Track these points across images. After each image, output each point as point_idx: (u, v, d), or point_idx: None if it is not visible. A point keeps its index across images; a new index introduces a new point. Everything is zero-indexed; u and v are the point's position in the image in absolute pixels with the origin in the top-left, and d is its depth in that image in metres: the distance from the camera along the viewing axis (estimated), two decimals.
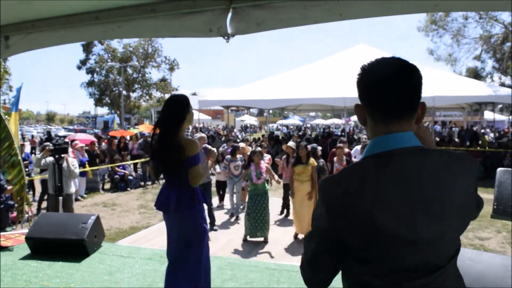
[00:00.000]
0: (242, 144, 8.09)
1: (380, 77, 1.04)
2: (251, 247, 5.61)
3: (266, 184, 6.00)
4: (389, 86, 1.03)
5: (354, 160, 7.42)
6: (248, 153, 6.84)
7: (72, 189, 6.27)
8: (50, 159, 6.04)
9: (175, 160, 2.74)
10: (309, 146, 6.04)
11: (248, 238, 5.84)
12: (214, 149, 3.32)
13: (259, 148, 6.33)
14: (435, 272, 1.00)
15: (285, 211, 7.33)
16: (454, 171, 1.02)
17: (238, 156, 7.32)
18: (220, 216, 7.42)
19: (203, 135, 6.89)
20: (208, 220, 6.45)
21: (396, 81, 1.03)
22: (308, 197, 5.74)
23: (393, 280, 0.99)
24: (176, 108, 2.84)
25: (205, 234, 2.95)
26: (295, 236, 5.98)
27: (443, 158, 1.03)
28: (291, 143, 7.00)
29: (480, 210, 1.18)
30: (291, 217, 6.96)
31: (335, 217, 1.00)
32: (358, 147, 7.70)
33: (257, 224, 5.74)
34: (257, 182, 5.88)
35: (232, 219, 7.22)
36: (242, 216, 7.22)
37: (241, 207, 7.44)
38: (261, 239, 5.82)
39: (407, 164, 0.99)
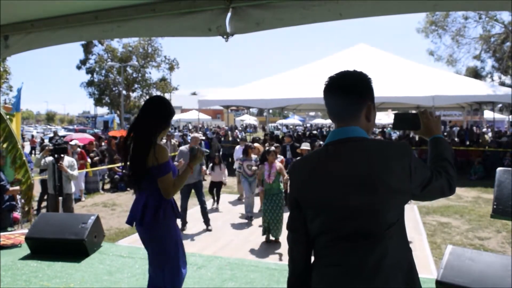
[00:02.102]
0: (256, 144, 8.04)
1: (333, 88, 1.43)
2: (252, 246, 5.61)
3: (280, 184, 5.87)
4: (330, 96, 1.45)
5: None
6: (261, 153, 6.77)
7: (72, 189, 6.26)
8: (49, 159, 6.03)
9: (137, 168, 2.48)
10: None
11: (265, 238, 5.79)
12: (202, 152, 2.79)
13: (273, 148, 6.26)
14: (372, 237, 1.27)
15: None
16: (386, 155, 1.30)
17: (253, 156, 7.25)
18: (220, 217, 7.43)
19: (197, 135, 6.88)
20: (202, 220, 6.49)
21: (334, 93, 1.43)
22: None
23: (334, 238, 1.32)
24: (156, 113, 2.55)
25: (176, 250, 2.59)
26: None
27: (377, 145, 1.35)
28: (305, 145, 6.96)
29: (429, 187, 1.37)
30: None
31: (295, 188, 1.43)
32: None
33: (271, 224, 5.67)
34: (269, 180, 5.79)
35: (233, 220, 7.22)
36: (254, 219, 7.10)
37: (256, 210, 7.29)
38: (273, 238, 5.78)
39: (343, 150, 1.34)
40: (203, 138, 14.26)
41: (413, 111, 1.71)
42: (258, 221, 6.74)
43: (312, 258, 1.46)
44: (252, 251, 5.43)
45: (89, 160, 9.78)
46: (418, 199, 1.40)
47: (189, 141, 18.42)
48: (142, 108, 2.60)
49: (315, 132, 24.62)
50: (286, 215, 5.89)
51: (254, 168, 7.08)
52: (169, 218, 2.58)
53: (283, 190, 5.92)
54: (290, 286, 1.51)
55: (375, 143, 1.37)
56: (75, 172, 6.12)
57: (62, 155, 5.85)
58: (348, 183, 1.29)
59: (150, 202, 2.52)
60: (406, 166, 1.30)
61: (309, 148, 6.73)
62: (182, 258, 2.67)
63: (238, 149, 8.68)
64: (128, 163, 2.57)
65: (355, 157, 1.31)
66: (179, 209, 6.34)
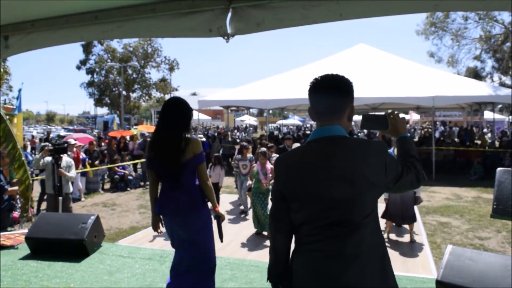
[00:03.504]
0: (245, 144, 8.12)
1: (319, 89, 1.54)
2: (252, 246, 5.61)
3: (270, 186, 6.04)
4: (316, 97, 1.55)
5: None
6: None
7: (70, 189, 6.28)
8: (48, 159, 6.03)
9: (178, 159, 2.72)
10: None
11: (256, 232, 6.00)
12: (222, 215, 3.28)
13: (263, 149, 6.47)
14: (351, 225, 1.42)
15: None
16: (365, 152, 1.45)
17: (248, 155, 7.50)
18: None
19: (200, 135, 6.92)
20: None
21: (321, 94, 1.54)
22: None
23: (316, 227, 1.45)
24: (185, 111, 2.84)
25: (212, 232, 3.03)
26: None
27: (355, 143, 1.49)
28: (296, 145, 7.01)
29: (400, 180, 1.53)
30: None
31: (281, 181, 1.56)
32: None
33: (261, 220, 5.88)
34: (265, 182, 6.01)
35: (233, 220, 7.22)
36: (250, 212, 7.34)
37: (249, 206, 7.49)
38: (265, 233, 5.96)
39: (326, 147, 1.47)
40: (204, 139, 14.26)
41: (382, 113, 1.80)
42: None
43: (293, 246, 1.60)
44: (252, 251, 5.43)
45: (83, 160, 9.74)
46: (390, 192, 1.59)
47: None
48: (168, 108, 2.82)
49: (309, 132, 24.60)
50: None
51: (250, 169, 7.27)
52: (207, 204, 2.95)
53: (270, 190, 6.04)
54: (271, 273, 1.66)
55: (356, 141, 1.52)
56: (73, 174, 6.15)
57: (61, 155, 5.86)
58: (331, 177, 1.43)
59: (195, 191, 2.84)
60: (382, 162, 1.46)
61: None
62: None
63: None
64: (155, 161, 2.82)
65: (338, 154, 1.45)
66: None
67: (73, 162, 6.35)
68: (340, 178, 1.42)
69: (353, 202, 1.43)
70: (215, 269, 3.12)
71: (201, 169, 2.84)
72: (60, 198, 5.76)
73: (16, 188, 5.84)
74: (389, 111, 1.87)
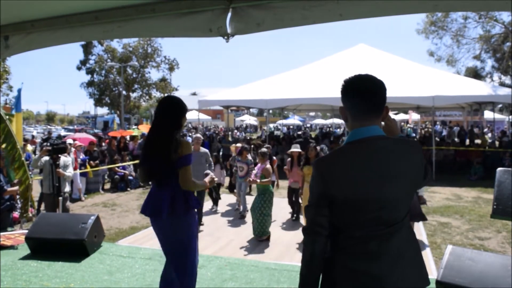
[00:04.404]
0: (233, 145, 8.10)
1: (361, 89, 1.53)
2: (252, 247, 5.61)
3: (270, 185, 6.01)
4: (367, 96, 1.52)
5: None
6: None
7: (67, 188, 6.30)
8: (45, 158, 6.04)
9: (168, 158, 2.64)
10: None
11: (255, 236, 5.90)
12: (215, 178, 3.16)
13: (264, 149, 6.49)
14: (395, 224, 1.46)
15: (294, 215, 7.16)
16: (405, 152, 1.51)
17: (248, 157, 7.39)
18: (220, 217, 7.43)
19: (199, 135, 6.91)
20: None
21: (372, 93, 1.53)
22: None
23: (366, 228, 1.44)
24: (176, 112, 2.77)
25: (196, 239, 2.88)
26: None
27: (397, 143, 1.53)
28: (295, 147, 6.99)
29: (427, 180, 1.66)
30: (301, 220, 6.98)
31: (326, 184, 1.47)
32: None
33: (258, 222, 5.79)
34: (252, 178, 6.00)
35: (234, 220, 7.22)
36: (248, 215, 7.23)
37: (241, 208, 7.50)
38: (264, 237, 5.86)
39: (373, 147, 1.47)
40: (203, 139, 14.28)
41: None
42: None
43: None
44: (252, 251, 5.43)
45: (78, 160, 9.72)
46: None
47: (188, 141, 18.43)
48: (160, 108, 2.78)
49: (299, 133, 24.59)
50: (273, 212, 6.06)
51: (246, 172, 7.25)
52: (193, 209, 2.81)
53: (270, 189, 6.02)
54: (306, 282, 1.52)
55: (399, 141, 1.55)
56: (70, 173, 6.19)
57: (59, 155, 5.89)
58: (381, 177, 1.44)
59: (178, 193, 2.70)
60: (421, 161, 1.54)
61: (299, 150, 6.73)
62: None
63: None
64: (145, 159, 2.77)
65: (385, 154, 1.46)
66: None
67: (70, 161, 6.37)
68: (389, 177, 1.44)
69: (400, 201, 1.47)
70: (194, 283, 2.89)
71: (183, 172, 2.67)
72: (61, 198, 5.76)
73: (15, 188, 5.85)
74: None
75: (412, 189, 1.54)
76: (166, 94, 34.31)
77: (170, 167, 2.67)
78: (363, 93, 1.52)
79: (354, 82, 1.55)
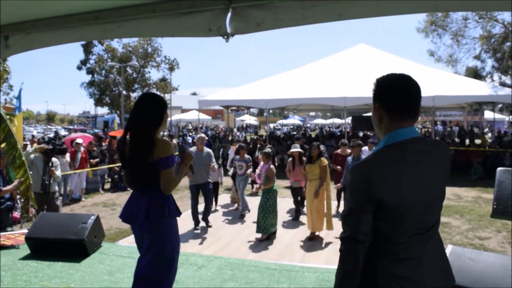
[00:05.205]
0: (243, 145, 8.13)
1: (405, 89, 1.47)
2: (252, 247, 5.61)
3: (274, 185, 6.09)
4: (409, 95, 1.47)
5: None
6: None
7: (56, 188, 6.43)
8: (38, 157, 6.25)
9: (139, 161, 2.45)
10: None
11: (258, 235, 5.95)
12: (190, 151, 2.84)
13: (268, 150, 6.56)
14: (431, 228, 1.44)
15: (295, 214, 7.18)
16: (443, 153, 1.51)
17: (246, 156, 7.50)
18: (220, 217, 7.43)
19: (203, 135, 6.91)
20: (201, 216, 6.54)
21: (413, 93, 1.47)
22: (314, 195, 5.83)
23: (410, 232, 1.38)
24: (155, 108, 2.54)
25: (174, 250, 2.60)
26: (310, 238, 5.94)
27: (436, 144, 1.52)
28: (294, 147, 6.99)
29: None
30: (300, 219, 7.00)
31: (376, 186, 1.36)
32: (366, 147, 7.67)
33: (263, 221, 5.85)
34: (259, 181, 6.10)
35: (233, 220, 7.22)
36: (248, 214, 7.33)
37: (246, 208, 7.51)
38: (265, 236, 5.91)
39: (415, 149, 1.43)
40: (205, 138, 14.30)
41: (370, 114, 1.79)
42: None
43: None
44: (252, 251, 5.43)
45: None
46: None
47: (188, 141, 18.42)
48: (136, 105, 2.57)
49: (294, 133, 24.60)
50: (279, 212, 6.10)
51: (245, 170, 7.38)
52: (173, 216, 2.59)
53: (275, 188, 6.10)
54: None
55: (435, 142, 1.54)
56: (59, 174, 6.44)
57: (50, 157, 6.18)
58: (427, 180, 1.42)
59: (156, 198, 2.51)
60: (449, 162, 1.56)
61: (300, 150, 6.76)
62: (177, 261, 2.65)
63: (231, 151, 8.59)
64: (125, 161, 2.57)
65: (424, 155, 1.44)
66: (190, 210, 6.42)
67: (58, 162, 6.56)
68: (430, 179, 1.43)
69: (438, 202, 1.49)
70: None
71: (164, 174, 2.46)
72: (61, 198, 5.82)
73: (11, 186, 5.82)
74: None
75: (444, 189, 1.53)
76: (166, 94, 34.38)
77: (146, 171, 2.46)
78: (405, 92, 1.47)
79: (394, 81, 1.50)
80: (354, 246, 1.39)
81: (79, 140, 9.49)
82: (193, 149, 6.52)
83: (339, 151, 7.34)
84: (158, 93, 35.20)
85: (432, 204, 1.44)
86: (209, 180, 6.55)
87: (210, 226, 6.54)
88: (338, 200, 7.57)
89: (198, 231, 6.40)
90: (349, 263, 1.40)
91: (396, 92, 1.48)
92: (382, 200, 1.36)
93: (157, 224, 2.51)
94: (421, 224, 1.41)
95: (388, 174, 1.38)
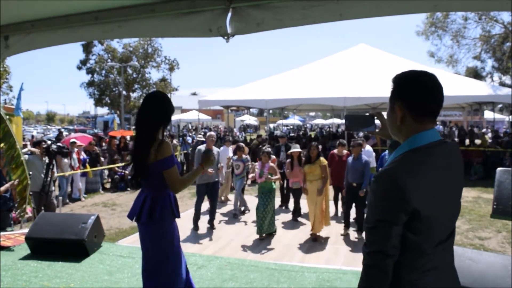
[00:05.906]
0: (241, 144, 8.15)
1: (431, 87, 1.35)
2: (252, 247, 5.61)
3: (273, 183, 6.11)
4: (437, 95, 1.36)
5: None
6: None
7: (53, 187, 6.53)
8: (34, 157, 6.34)
9: (141, 161, 2.50)
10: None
11: (258, 235, 5.96)
12: (214, 156, 3.00)
13: (268, 149, 6.58)
14: (451, 234, 1.38)
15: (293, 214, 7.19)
16: (458, 156, 1.43)
17: (244, 156, 7.54)
18: (220, 217, 7.42)
19: (213, 133, 6.95)
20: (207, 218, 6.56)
21: (441, 92, 1.36)
22: (317, 194, 5.87)
23: (436, 240, 1.30)
24: (155, 108, 2.56)
25: (173, 254, 2.69)
26: (313, 239, 5.93)
27: (455, 147, 1.44)
28: (294, 147, 6.99)
29: None
30: (299, 219, 7.01)
31: (409, 195, 1.23)
32: (369, 147, 7.64)
33: (263, 220, 5.88)
34: (258, 181, 6.08)
35: (233, 220, 7.22)
36: (247, 214, 7.38)
37: (242, 208, 7.57)
38: (264, 235, 5.95)
39: (440, 153, 1.34)
40: (203, 139, 14.29)
41: (366, 113, 1.73)
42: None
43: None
44: (252, 251, 5.43)
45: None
46: None
47: (188, 141, 18.43)
48: (142, 104, 2.61)
49: (292, 134, 24.60)
50: (278, 212, 6.12)
51: (243, 169, 7.43)
52: (174, 216, 2.64)
53: (274, 188, 6.14)
54: None
55: (454, 145, 1.46)
56: (56, 174, 6.70)
57: (53, 158, 6.30)
58: (454, 186, 1.37)
59: (158, 198, 2.55)
60: (463, 164, 1.47)
61: (300, 150, 6.77)
62: (183, 259, 2.71)
63: (223, 150, 8.52)
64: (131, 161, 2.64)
65: (453, 160, 1.39)
66: (193, 208, 6.41)
67: (55, 163, 6.66)
68: (455, 184, 1.37)
69: (460, 208, 1.44)
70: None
71: (167, 175, 2.51)
72: (61, 197, 5.84)
73: (8, 185, 5.81)
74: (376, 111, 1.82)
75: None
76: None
77: (148, 170, 2.51)
78: (433, 92, 1.35)
79: (421, 78, 1.36)
80: (384, 260, 1.27)
81: (74, 140, 9.49)
82: (203, 147, 6.56)
83: (335, 151, 7.34)
84: None
85: (455, 209, 1.40)
86: (217, 179, 6.63)
87: (214, 228, 6.55)
88: (336, 202, 7.42)
89: (198, 231, 6.40)
90: (378, 280, 1.28)
91: (425, 91, 1.35)
92: (416, 210, 1.24)
93: (159, 224, 2.57)
94: (446, 231, 1.35)
95: (421, 181, 1.26)
